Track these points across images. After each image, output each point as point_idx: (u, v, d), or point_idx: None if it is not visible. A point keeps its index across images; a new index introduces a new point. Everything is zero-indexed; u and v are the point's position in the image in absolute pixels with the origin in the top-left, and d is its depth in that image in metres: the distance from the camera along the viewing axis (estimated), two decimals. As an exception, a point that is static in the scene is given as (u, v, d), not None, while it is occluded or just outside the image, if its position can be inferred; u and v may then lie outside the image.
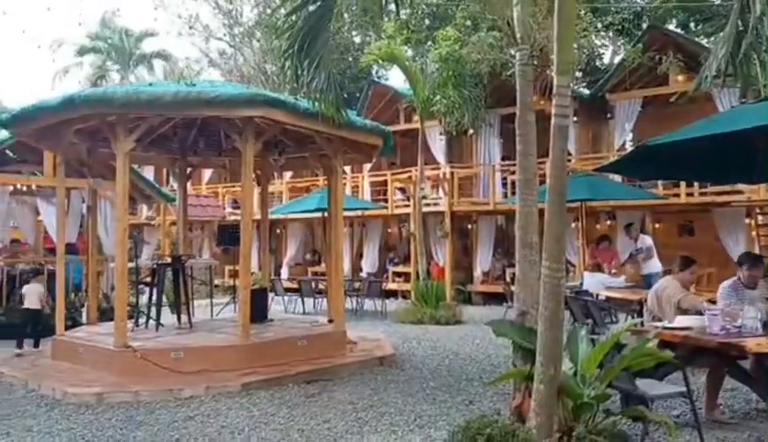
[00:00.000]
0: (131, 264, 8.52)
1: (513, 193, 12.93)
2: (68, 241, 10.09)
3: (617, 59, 17.67)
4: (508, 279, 13.69)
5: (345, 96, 17.82)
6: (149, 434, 5.10)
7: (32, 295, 8.54)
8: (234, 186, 19.45)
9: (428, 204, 14.98)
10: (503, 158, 16.36)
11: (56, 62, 48.23)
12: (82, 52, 26.86)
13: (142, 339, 7.55)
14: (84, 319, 9.16)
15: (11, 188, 11.33)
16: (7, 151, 11.39)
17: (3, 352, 8.37)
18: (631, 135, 15.74)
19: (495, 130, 16.71)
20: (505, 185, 15.80)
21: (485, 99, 14.85)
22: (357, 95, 19.46)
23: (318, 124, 7.54)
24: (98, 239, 10.38)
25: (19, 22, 45.29)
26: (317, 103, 6.34)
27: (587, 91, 16.82)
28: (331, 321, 8.77)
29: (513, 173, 13.33)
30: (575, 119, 15.07)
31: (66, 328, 8.41)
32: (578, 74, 16.85)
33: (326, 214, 10.65)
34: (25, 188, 11.73)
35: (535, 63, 5.43)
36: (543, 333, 4.14)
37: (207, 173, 21.04)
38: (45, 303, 8.72)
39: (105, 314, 9.41)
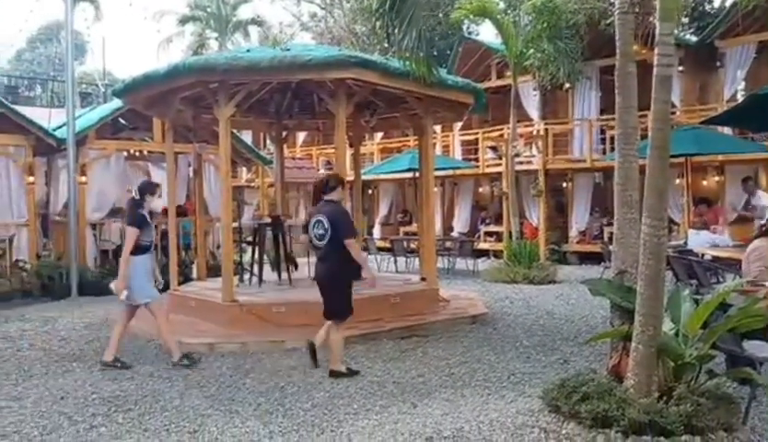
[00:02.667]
0: (234, 224, 9.02)
1: (612, 149, 12.43)
2: (177, 203, 10.76)
3: (728, 2, 16.28)
4: (606, 238, 13.27)
5: (435, 54, 17.64)
6: (257, 381, 5.47)
7: None
8: (327, 148, 19.87)
9: (521, 162, 14.66)
10: (601, 112, 15.67)
11: (161, 32, 50.62)
12: (183, 21, 28.00)
13: (246, 294, 8.00)
14: (194, 275, 9.80)
15: (125, 153, 12.17)
16: (121, 119, 12.23)
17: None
18: (743, 84, 14.61)
19: (593, 83, 15.99)
20: (603, 141, 15.17)
21: (582, 51, 14.17)
22: (447, 52, 19.17)
23: (408, 84, 7.55)
24: (204, 201, 10.99)
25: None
26: (408, 62, 6.35)
27: (694, 38, 15.68)
28: (423, 280, 8.91)
29: (612, 128, 12.78)
30: (680, 68, 14.15)
31: (179, 283, 9.05)
32: (684, 19, 15.70)
33: (417, 174, 10.72)
34: (137, 153, 12.58)
35: (636, 10, 5.15)
36: (643, 292, 4.03)
37: (301, 136, 21.61)
38: None
39: (212, 271, 10.04)
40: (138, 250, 5.87)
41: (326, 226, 5.45)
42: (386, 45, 16.81)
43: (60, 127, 11.47)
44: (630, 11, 4.66)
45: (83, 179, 10.89)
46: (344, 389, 5.18)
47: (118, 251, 11.50)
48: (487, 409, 4.61)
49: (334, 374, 5.52)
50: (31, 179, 10.50)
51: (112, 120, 11.92)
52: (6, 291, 9.88)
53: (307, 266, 10.46)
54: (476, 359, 6.10)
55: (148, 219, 6.17)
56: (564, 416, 4.07)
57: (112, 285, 5.98)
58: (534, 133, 15.35)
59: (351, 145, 10.67)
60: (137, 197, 6.11)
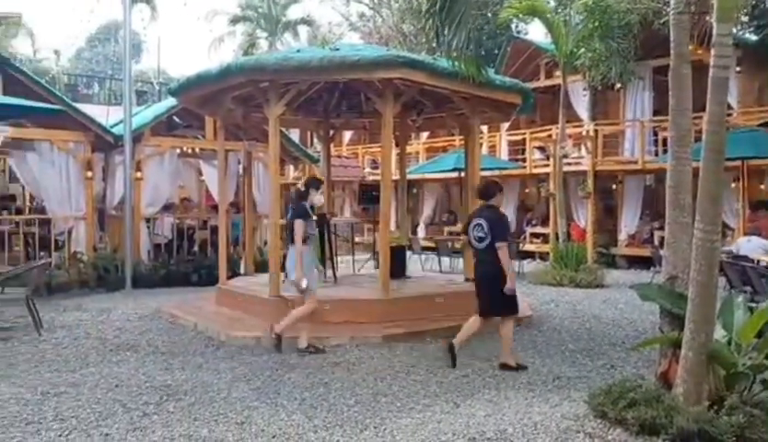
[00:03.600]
0: (281, 221, 9.18)
1: (664, 151, 12.11)
2: (228, 200, 11.01)
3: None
4: (657, 242, 12.94)
5: (483, 53, 17.49)
6: (301, 376, 5.57)
7: None
8: (373, 147, 19.98)
9: (569, 163, 14.43)
10: (654, 113, 15.28)
11: (213, 31, 51.80)
12: (234, 21, 28.60)
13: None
14: (242, 270, 10.02)
15: (179, 150, 12.52)
16: (175, 117, 12.59)
17: (176, 296, 9.45)
18: (805, 85, 14.01)
19: (646, 83, 15.59)
20: (655, 142, 14.79)
21: (635, 51, 13.85)
22: (495, 52, 19.00)
23: (456, 84, 7.55)
24: (253, 198, 11.21)
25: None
26: (456, 62, 6.34)
27: (753, 37, 15.11)
28: (467, 280, 8.87)
29: (665, 129, 12.45)
30: (737, 68, 13.67)
31: (227, 278, 9.27)
32: (744, 18, 15.15)
33: (462, 173, 10.68)
34: (190, 150, 12.92)
35: (692, 9, 5.03)
36: (695, 299, 3.95)
37: (348, 134, 21.78)
38: None
39: (259, 266, 10.24)
40: (302, 240, 6.15)
41: (485, 229, 5.80)
42: (433, 45, 16.80)
43: (117, 124, 11.89)
44: (686, 11, 4.56)
45: (138, 174, 11.25)
46: (388, 387, 5.23)
47: (170, 245, 11.92)
48: (531, 412, 4.58)
49: (504, 367, 5.74)
50: (90, 174, 10.91)
51: (167, 118, 12.29)
52: (65, 282, 10.30)
53: (350, 264, 10.62)
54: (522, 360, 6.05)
55: (311, 212, 6.51)
56: (611, 422, 4.02)
57: (290, 280, 6.32)
58: (583, 133, 15.09)
59: (397, 145, 10.72)
60: (302, 190, 6.45)
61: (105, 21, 34.85)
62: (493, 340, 6.87)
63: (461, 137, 12.66)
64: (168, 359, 6.14)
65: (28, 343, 6.79)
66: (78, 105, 12.05)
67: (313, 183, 6.76)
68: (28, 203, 14.30)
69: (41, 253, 10.50)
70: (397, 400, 4.91)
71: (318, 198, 6.74)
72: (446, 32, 5.87)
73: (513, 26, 20.23)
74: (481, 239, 5.85)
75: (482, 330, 6.01)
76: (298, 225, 6.20)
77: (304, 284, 6.22)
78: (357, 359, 6.13)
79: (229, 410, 4.65)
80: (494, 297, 5.81)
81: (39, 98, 9.94)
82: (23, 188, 14.05)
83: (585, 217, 14.77)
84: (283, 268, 6.79)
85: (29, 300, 7.21)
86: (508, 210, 17.26)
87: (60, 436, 4.14)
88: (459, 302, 8.11)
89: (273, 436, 4.14)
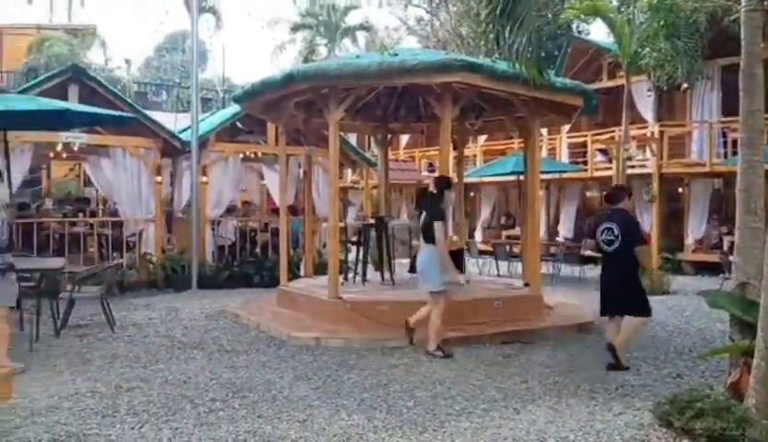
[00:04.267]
0: (340, 224, 9.33)
1: (734, 153, 11.62)
2: (288, 203, 11.26)
3: None
4: (726, 248, 12.42)
5: (543, 54, 17.22)
6: (361, 377, 5.65)
7: None
8: (429, 150, 19.97)
9: (633, 166, 14.04)
10: (724, 114, 14.68)
11: (274, 40, 53.08)
12: (295, 28, 29.18)
13: (351, 292, 8.25)
14: (302, 272, 10.23)
15: (241, 155, 12.89)
16: (238, 123, 12.98)
17: (239, 296, 9.72)
18: None
19: (714, 83, 14.98)
20: (724, 144, 14.21)
21: (702, 50, 13.35)
22: (555, 53, 18.70)
23: (515, 86, 7.50)
24: (312, 201, 11.43)
25: (247, 5, 50.72)
26: (517, 65, 6.30)
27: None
28: (526, 285, 8.78)
29: (734, 131, 11.96)
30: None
31: (288, 279, 9.48)
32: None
33: (521, 177, 10.56)
34: (252, 155, 13.29)
35: (766, 5, 4.84)
36: (767, 306, 3.80)
37: (405, 138, 21.85)
38: None
39: (318, 268, 10.43)
40: (434, 240, 6.28)
41: (616, 232, 5.94)
42: (491, 47, 16.66)
43: (184, 130, 12.35)
44: (758, 8, 4.40)
45: (204, 179, 11.65)
46: (446, 391, 5.24)
47: (233, 247, 12.28)
48: (593, 420, 4.51)
49: (614, 367, 5.85)
50: (159, 178, 11.38)
51: (230, 124, 12.68)
52: (136, 281, 10.78)
53: (407, 267, 10.65)
54: (582, 368, 5.96)
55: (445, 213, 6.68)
56: (677, 432, 3.92)
57: (424, 281, 6.44)
58: (648, 135, 14.64)
59: (455, 148, 10.70)
60: (435, 192, 6.61)
61: (172, 31, 36.28)
62: (551, 347, 6.79)
63: (520, 140, 12.51)
64: (233, 357, 6.34)
65: (102, 339, 7.14)
66: (148, 112, 12.58)
67: (447, 184, 6.84)
68: (101, 207, 15.01)
69: (114, 254, 11.02)
70: (456, 403, 4.92)
71: (452, 198, 6.86)
72: (506, 35, 5.84)
73: (574, 26, 19.84)
74: (611, 242, 5.97)
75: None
76: (439, 226, 6.30)
77: (462, 279, 6.41)
78: (415, 361, 6.17)
79: (291, 408, 4.78)
80: (626, 298, 5.94)
81: (112, 106, 10.43)
82: (96, 192, 14.77)
83: (650, 222, 14.32)
84: (412, 269, 6.88)
85: (103, 299, 7.59)
86: (569, 214, 16.96)
87: (133, 428, 4.35)
88: (517, 306, 8.08)
89: (334, 435, 4.23)
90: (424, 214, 6.57)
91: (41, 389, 5.14)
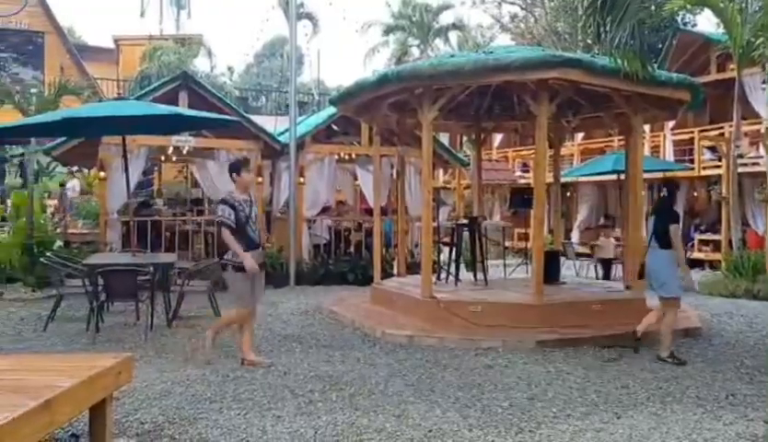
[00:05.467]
0: (433, 224, 9.36)
1: None
2: (381, 204, 11.42)
3: None
4: None
5: (646, 48, 16.48)
6: (454, 376, 5.65)
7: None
8: (523, 149, 19.62)
9: (745, 164, 13.16)
10: None
11: (368, 43, 54.04)
12: (388, 30, 29.55)
13: (443, 291, 8.27)
14: (395, 270, 10.36)
15: (336, 156, 13.22)
16: (333, 125, 13.32)
17: (334, 293, 9.97)
18: None
19: (840, 73, 13.75)
20: None
21: (827, 37, 12.27)
22: (659, 46, 17.83)
23: (615, 82, 7.25)
24: (405, 202, 11.54)
25: (341, 10, 52.01)
26: (618, 59, 6.09)
27: None
28: (628, 288, 8.45)
29: None
30: None
31: (381, 278, 9.63)
32: None
33: (622, 176, 10.17)
34: (346, 156, 13.59)
35: None
36: None
37: (497, 138, 21.58)
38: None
39: (411, 268, 10.52)
40: (669, 244, 6.30)
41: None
42: (589, 42, 16.14)
43: (282, 133, 12.82)
44: None
45: (301, 179, 12.06)
46: (543, 392, 5.15)
47: (328, 246, 12.62)
48: (700, 428, 4.29)
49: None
50: (260, 179, 11.88)
51: (326, 126, 13.04)
52: (238, 277, 11.28)
53: (500, 268, 10.54)
54: (688, 375, 5.67)
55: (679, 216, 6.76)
56: (796, 446, 3.65)
57: (658, 285, 6.40)
58: (762, 131, 13.65)
59: (551, 146, 10.47)
60: (665, 194, 6.66)
61: (270, 38, 37.69)
62: (654, 352, 6.51)
63: (621, 137, 12.02)
64: (330, 352, 6.54)
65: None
66: (249, 116, 13.17)
67: (677, 186, 6.93)
68: (206, 206, 15.84)
69: (219, 251, 11.59)
70: (553, 405, 4.83)
71: (680, 199, 6.93)
72: (607, 28, 5.66)
73: (679, 18, 18.84)
74: None
75: None
76: (675, 230, 6.27)
77: (696, 285, 6.40)
78: (510, 363, 6.10)
79: (387, 402, 4.87)
80: None
81: (217, 111, 11.01)
82: (202, 192, 15.61)
83: (763, 223, 13.35)
84: (641, 276, 6.84)
85: (210, 292, 8.04)
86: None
87: (238, 414, 4.60)
88: (618, 310, 7.79)
89: (429, 431, 4.27)
90: (653, 218, 6.47)
91: (156, 375, 5.53)
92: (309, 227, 12.54)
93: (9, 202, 16.43)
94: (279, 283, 11.28)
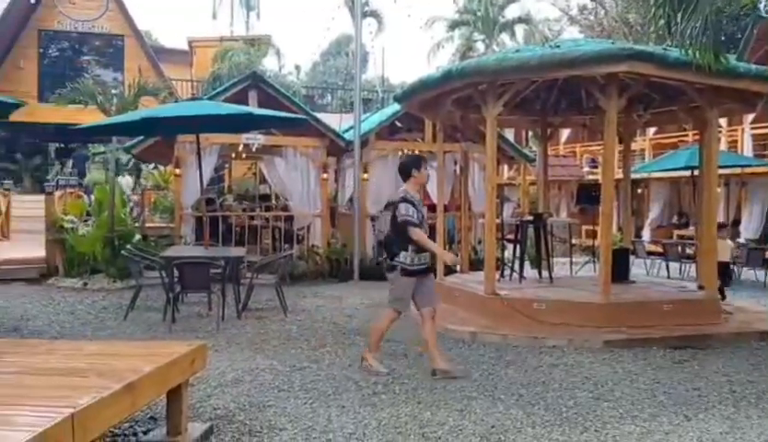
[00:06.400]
0: (496, 221, 9.31)
1: None
2: (444, 200, 11.42)
3: None
4: None
5: (723, 38, 15.77)
6: (518, 374, 5.63)
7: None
8: (591, 145, 19.13)
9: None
10: None
11: (432, 38, 53.88)
12: (453, 26, 29.39)
13: (507, 288, 8.21)
14: (457, 267, 10.34)
15: (400, 153, 13.29)
16: (396, 122, 13.41)
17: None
18: None
19: None
20: None
21: None
22: (738, 36, 16.97)
23: (689, 74, 6.98)
24: (468, 198, 11.49)
25: (406, 6, 52.04)
26: (690, 51, 5.88)
27: None
28: (701, 288, 8.15)
29: None
30: None
31: (444, 274, 9.64)
32: None
33: (696, 172, 9.78)
34: (410, 152, 13.63)
35: None
36: None
37: (564, 133, 21.13)
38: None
39: (474, 264, 10.48)
40: None
41: None
42: (661, 33, 15.52)
43: (347, 130, 13.02)
44: None
45: (365, 176, 12.21)
46: (609, 392, 5.06)
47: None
48: (778, 435, 4.12)
49: None
50: (325, 175, 12.13)
51: (390, 122, 13.13)
52: (304, 271, 11.59)
53: (567, 266, 10.36)
54: (765, 379, 5.43)
55: None
56: None
57: None
58: None
59: (621, 141, 10.19)
60: None
61: (336, 36, 38.18)
62: (728, 354, 6.27)
63: (695, 132, 11.55)
64: (392, 346, 6.61)
65: (276, 322, 7.81)
66: (315, 114, 13.43)
67: None
68: (274, 202, 16.28)
69: (285, 246, 11.93)
70: (619, 406, 4.75)
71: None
72: (679, 20, 5.48)
73: (762, 5, 17.83)
74: None
75: None
76: None
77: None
78: (576, 362, 6.01)
79: (449, 397, 4.90)
80: None
81: (285, 110, 11.30)
82: (270, 188, 16.04)
83: None
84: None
85: (277, 286, 8.29)
86: (753, 213, 15.34)
87: (305, 403, 4.75)
88: (690, 310, 7.55)
89: (492, 426, 4.29)
90: None
91: (227, 364, 5.77)
92: (373, 223, 12.67)
93: (93, 197, 17.39)
94: (344, 277, 11.49)
